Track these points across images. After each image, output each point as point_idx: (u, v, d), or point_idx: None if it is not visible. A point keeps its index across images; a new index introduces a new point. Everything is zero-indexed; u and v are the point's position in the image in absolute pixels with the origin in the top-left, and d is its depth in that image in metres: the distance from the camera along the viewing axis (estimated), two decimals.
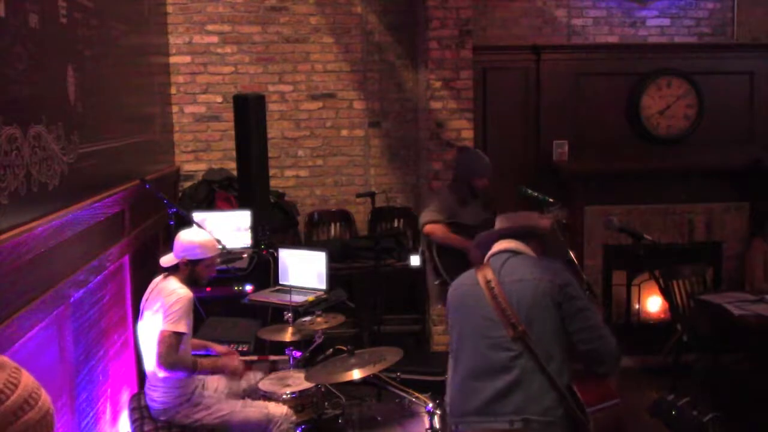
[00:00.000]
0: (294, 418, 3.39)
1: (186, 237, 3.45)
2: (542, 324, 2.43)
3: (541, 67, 5.95)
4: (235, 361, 3.52)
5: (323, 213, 6.24)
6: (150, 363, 3.29)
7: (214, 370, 3.41)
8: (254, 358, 3.98)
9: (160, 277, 3.47)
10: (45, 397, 1.35)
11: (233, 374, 3.47)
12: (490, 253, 2.68)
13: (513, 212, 2.82)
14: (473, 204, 4.40)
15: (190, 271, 3.42)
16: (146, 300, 3.42)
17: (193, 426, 3.33)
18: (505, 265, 2.58)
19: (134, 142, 4.56)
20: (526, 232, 2.69)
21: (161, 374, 3.22)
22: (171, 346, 3.18)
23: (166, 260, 3.47)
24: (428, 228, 4.21)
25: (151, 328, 3.30)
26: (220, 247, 3.76)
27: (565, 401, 2.39)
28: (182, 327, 3.23)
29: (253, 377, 3.69)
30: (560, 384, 2.40)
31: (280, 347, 3.98)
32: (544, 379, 2.38)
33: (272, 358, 3.95)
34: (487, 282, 2.53)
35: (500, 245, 2.67)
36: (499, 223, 2.78)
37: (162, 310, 3.24)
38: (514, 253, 2.63)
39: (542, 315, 2.44)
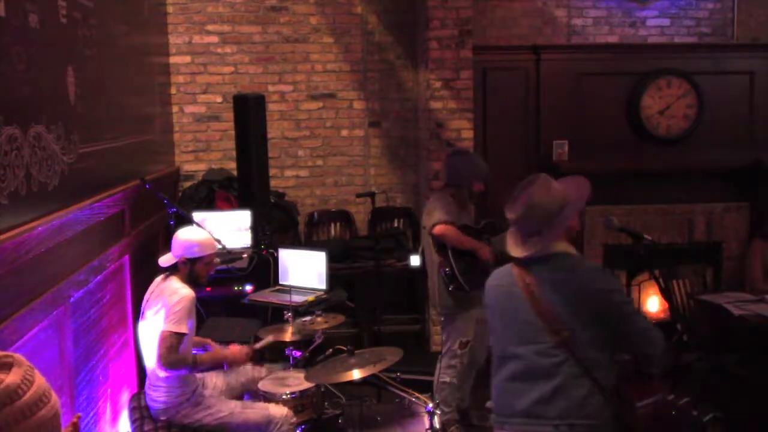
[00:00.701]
0: (294, 419, 3.39)
1: (183, 235, 3.45)
2: (587, 330, 2.37)
3: (541, 67, 5.95)
4: (234, 349, 3.53)
5: (323, 213, 6.24)
6: (151, 362, 3.30)
7: (214, 364, 3.42)
8: (269, 339, 3.90)
9: (161, 277, 3.47)
10: (56, 398, 1.38)
11: (236, 361, 3.47)
12: (527, 253, 2.52)
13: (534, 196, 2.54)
14: (468, 210, 4.34)
15: (189, 269, 3.42)
16: (147, 300, 3.42)
17: (193, 426, 3.33)
18: (544, 268, 2.47)
19: (134, 142, 4.56)
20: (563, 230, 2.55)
21: (161, 374, 3.23)
22: (172, 346, 3.18)
23: (165, 260, 3.47)
24: (440, 229, 4.03)
25: (152, 328, 3.30)
26: (219, 246, 3.76)
27: (611, 403, 2.38)
28: (183, 327, 3.23)
29: (251, 372, 3.68)
30: (606, 387, 2.38)
31: (280, 347, 3.98)
32: (589, 384, 2.35)
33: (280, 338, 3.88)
34: (527, 284, 2.45)
35: (534, 247, 2.50)
36: (527, 211, 2.53)
37: (164, 310, 3.24)
38: (553, 255, 2.49)
39: (586, 321, 2.37)
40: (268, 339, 3.71)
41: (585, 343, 2.37)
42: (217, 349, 3.61)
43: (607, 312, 2.38)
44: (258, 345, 3.72)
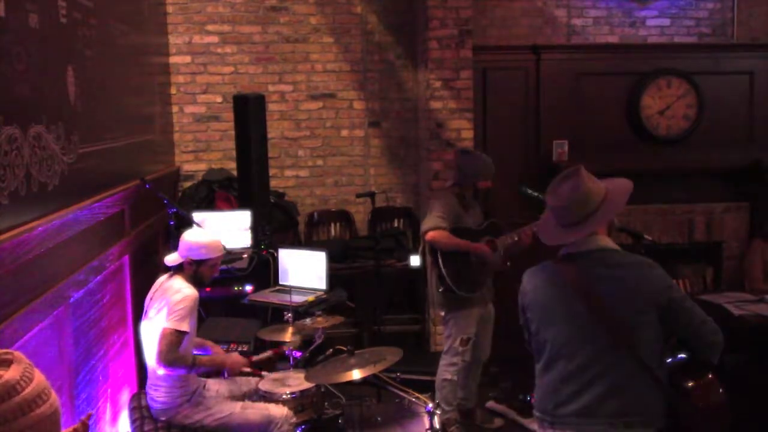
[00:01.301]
0: (294, 419, 3.39)
1: (191, 237, 3.46)
2: (644, 327, 2.35)
3: (541, 67, 5.94)
4: (234, 355, 3.53)
5: (323, 213, 6.24)
6: (152, 362, 3.30)
7: (214, 367, 3.42)
8: (268, 353, 3.92)
9: (165, 276, 3.47)
10: (55, 396, 1.38)
11: (233, 369, 3.47)
12: (568, 250, 2.49)
13: (562, 194, 2.47)
14: (474, 208, 4.35)
15: (194, 270, 3.42)
16: (151, 298, 3.42)
17: (193, 427, 3.33)
18: (593, 264, 2.43)
19: (134, 142, 4.56)
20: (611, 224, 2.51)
21: (160, 371, 3.23)
22: (172, 343, 3.19)
23: (171, 259, 3.48)
24: (431, 235, 4.07)
25: (155, 327, 3.31)
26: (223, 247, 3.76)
27: (666, 398, 2.37)
28: (185, 326, 3.23)
29: (254, 382, 3.68)
30: (663, 381, 2.37)
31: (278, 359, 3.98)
32: (646, 380, 2.34)
33: (282, 348, 3.89)
34: (574, 282, 2.40)
35: (575, 236, 2.45)
36: (562, 216, 2.47)
37: (166, 308, 3.24)
38: (599, 250, 2.46)
39: (644, 319, 2.35)
40: (267, 354, 3.73)
41: (643, 339, 2.35)
42: (217, 354, 3.60)
43: (668, 307, 2.36)
44: (256, 358, 3.73)
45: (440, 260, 4.10)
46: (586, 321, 2.38)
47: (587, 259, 2.45)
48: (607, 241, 2.49)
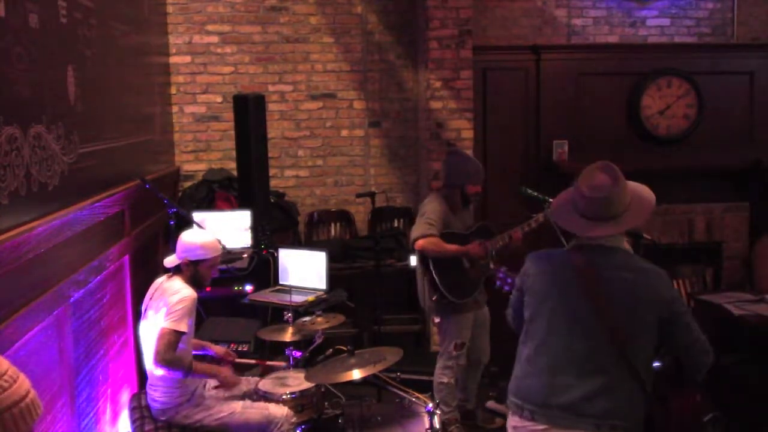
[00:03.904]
0: (294, 419, 3.39)
1: (188, 237, 3.46)
2: (640, 333, 2.34)
3: (541, 67, 5.94)
4: (229, 372, 3.51)
5: (323, 213, 6.24)
6: (149, 361, 3.30)
7: (208, 375, 3.41)
8: (252, 361, 3.97)
9: (164, 277, 3.47)
10: (23, 378, 1.38)
11: (225, 385, 3.46)
12: (581, 242, 2.46)
13: (598, 186, 2.40)
14: (463, 212, 4.27)
15: (192, 271, 3.42)
16: (150, 299, 3.42)
17: (194, 427, 3.33)
18: (606, 264, 2.40)
19: (134, 142, 4.56)
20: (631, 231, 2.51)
21: (157, 371, 3.23)
22: (170, 343, 3.18)
23: (169, 261, 3.48)
24: (420, 244, 4.00)
25: (153, 328, 3.30)
26: (221, 247, 3.76)
27: (649, 405, 2.37)
28: (183, 326, 3.23)
29: (249, 382, 3.67)
30: (649, 389, 2.36)
31: (280, 347, 3.98)
32: (636, 386, 2.34)
33: (269, 363, 3.92)
34: (587, 278, 2.36)
35: (601, 232, 2.40)
36: (592, 209, 2.39)
37: (165, 309, 3.24)
38: (614, 249, 2.43)
39: (643, 326, 2.34)
40: (252, 362, 3.75)
41: (639, 345, 2.34)
42: (213, 366, 3.55)
43: (668, 320, 2.35)
44: (239, 360, 3.76)
45: (431, 267, 4.05)
46: (587, 317, 2.36)
47: (600, 256, 2.42)
48: (623, 243, 2.49)
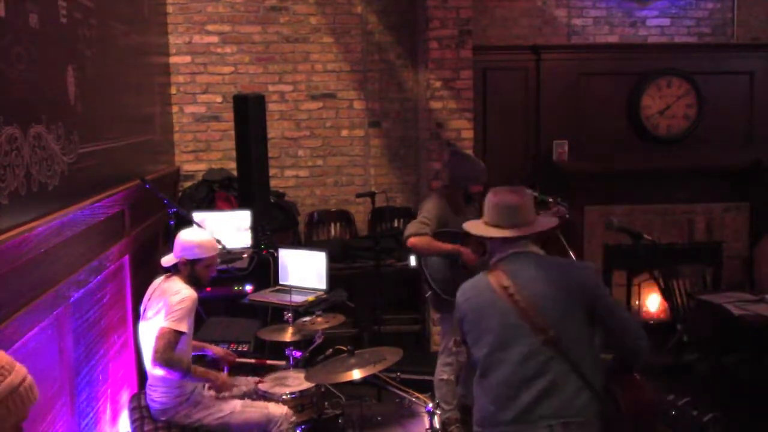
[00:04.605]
0: (294, 418, 3.39)
1: (184, 237, 3.45)
2: (572, 326, 2.38)
3: (541, 67, 5.95)
4: (225, 377, 3.50)
5: (323, 213, 6.24)
6: (148, 361, 3.29)
7: (205, 380, 3.41)
8: (252, 360, 3.97)
9: (162, 277, 3.47)
10: (20, 366, 1.43)
11: (220, 390, 3.45)
12: (498, 256, 2.56)
13: (506, 197, 2.60)
14: (466, 211, 4.28)
15: (189, 270, 3.41)
16: (149, 299, 3.42)
17: (193, 426, 3.33)
18: (522, 268, 2.48)
19: (134, 142, 4.56)
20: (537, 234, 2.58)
21: (156, 371, 3.22)
22: (169, 342, 3.18)
23: (167, 260, 3.47)
24: (411, 242, 4.03)
25: (153, 328, 3.30)
26: (220, 246, 3.76)
27: (598, 398, 2.38)
28: (183, 326, 3.22)
29: (249, 382, 3.67)
30: (594, 382, 2.38)
31: (280, 347, 3.98)
32: (578, 380, 2.36)
33: (270, 362, 3.92)
34: (504, 288, 2.44)
35: (510, 248, 2.54)
36: (499, 216, 2.57)
37: (165, 309, 3.24)
38: (527, 254, 2.52)
39: (571, 317, 2.38)
40: (250, 361, 3.76)
41: (571, 339, 2.38)
42: (210, 372, 3.54)
43: (595, 306, 2.40)
44: (239, 359, 3.77)
45: (423, 265, 4.10)
46: (517, 324, 2.40)
47: (516, 261, 2.50)
48: (535, 248, 2.56)
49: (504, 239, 2.54)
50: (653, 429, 2.60)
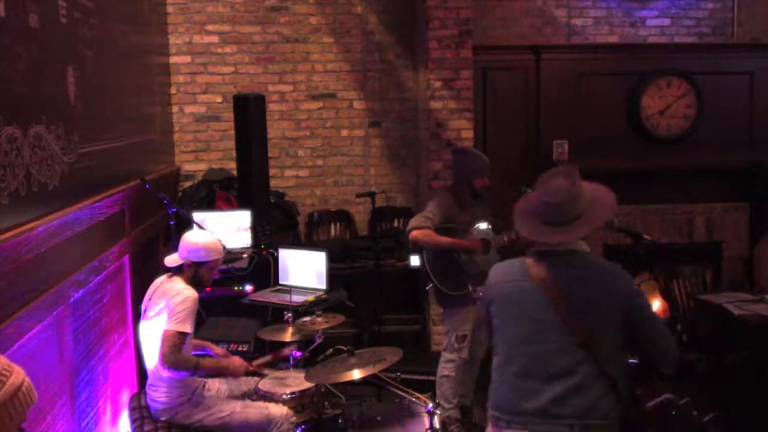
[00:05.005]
0: (294, 418, 3.39)
1: (191, 238, 3.45)
2: (606, 331, 2.36)
3: (541, 67, 5.95)
4: (237, 360, 3.52)
5: (323, 213, 6.24)
6: (152, 362, 3.29)
7: (216, 372, 3.41)
8: (268, 358, 3.94)
9: (164, 277, 3.47)
10: (18, 369, 1.43)
11: (235, 374, 3.46)
12: (540, 246, 2.47)
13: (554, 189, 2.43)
14: (474, 206, 4.35)
15: (193, 272, 3.42)
16: (149, 299, 3.42)
17: (194, 426, 3.33)
18: (563, 264, 2.42)
19: (134, 142, 4.56)
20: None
21: (164, 374, 3.22)
22: (175, 345, 3.18)
23: (171, 260, 3.47)
24: (413, 235, 4.13)
25: (154, 328, 3.30)
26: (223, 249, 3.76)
27: (623, 403, 2.37)
28: (187, 327, 3.23)
29: (252, 382, 3.67)
30: (620, 387, 2.37)
31: (280, 347, 3.97)
32: (605, 384, 2.34)
33: (282, 353, 3.90)
34: (543, 281, 2.39)
35: (560, 238, 2.42)
36: (545, 211, 2.42)
37: (167, 310, 3.24)
38: (571, 252, 2.45)
39: (607, 322, 2.36)
40: (267, 358, 3.73)
41: (605, 342, 2.35)
42: (218, 353, 3.58)
43: (631, 313, 2.37)
44: (256, 362, 3.72)
45: (425, 258, 4.18)
46: (551, 319, 2.38)
47: (559, 258, 2.45)
48: (580, 244, 2.50)
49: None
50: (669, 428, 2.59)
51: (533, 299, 2.42)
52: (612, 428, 2.37)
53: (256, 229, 5.09)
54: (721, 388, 4.55)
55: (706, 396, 4.17)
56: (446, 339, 4.32)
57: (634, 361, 2.55)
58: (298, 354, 3.79)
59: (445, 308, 4.30)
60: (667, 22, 6.31)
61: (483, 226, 4.26)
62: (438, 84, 5.47)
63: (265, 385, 3.57)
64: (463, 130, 5.52)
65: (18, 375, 1.43)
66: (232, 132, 5.41)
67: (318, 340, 3.79)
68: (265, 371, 3.72)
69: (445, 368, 4.27)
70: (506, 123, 5.95)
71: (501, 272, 2.57)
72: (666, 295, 4.84)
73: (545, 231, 2.44)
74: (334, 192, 6.29)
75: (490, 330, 2.59)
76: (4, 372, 1.40)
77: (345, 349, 3.39)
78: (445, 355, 4.29)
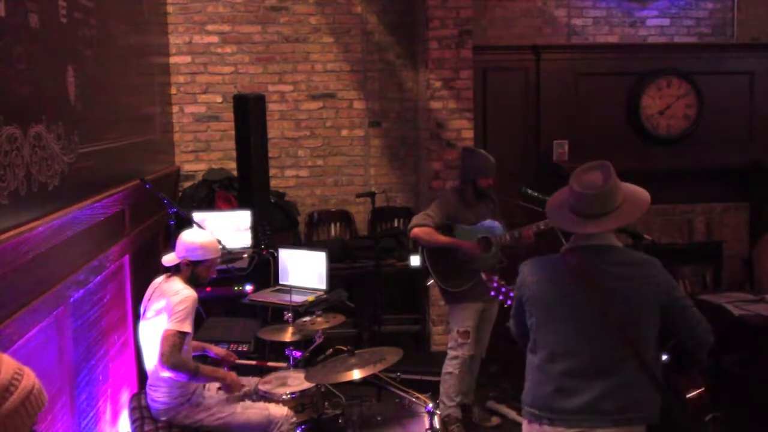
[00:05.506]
0: (294, 419, 3.39)
1: (188, 237, 3.45)
2: (646, 326, 2.38)
3: (541, 67, 5.95)
4: (234, 376, 3.50)
5: (323, 213, 6.24)
6: (152, 362, 3.29)
7: (214, 379, 3.40)
8: (253, 362, 3.97)
9: (162, 277, 3.47)
10: (28, 370, 1.42)
11: (230, 388, 3.45)
12: (577, 243, 2.47)
13: (589, 181, 2.41)
14: (479, 205, 4.37)
15: (191, 271, 3.42)
16: (149, 299, 3.42)
17: (194, 427, 3.33)
18: (602, 261, 2.41)
19: (134, 142, 4.56)
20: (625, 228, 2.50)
21: (164, 374, 3.22)
22: (175, 345, 3.18)
23: (168, 259, 3.47)
24: (414, 232, 4.22)
25: (153, 328, 3.30)
26: (221, 247, 3.76)
27: (664, 396, 2.39)
28: (187, 327, 3.23)
29: (250, 382, 3.67)
30: (660, 381, 2.38)
31: (280, 347, 3.98)
32: (647, 379, 2.35)
33: (270, 364, 3.92)
34: (583, 278, 2.38)
35: (593, 229, 2.42)
36: (579, 204, 2.40)
37: (167, 310, 3.24)
38: (607, 247, 2.44)
39: (646, 317, 2.37)
40: (251, 363, 3.77)
41: (644, 338, 2.37)
42: (219, 369, 3.54)
43: (670, 304, 2.39)
44: (240, 361, 3.76)
45: (425, 256, 4.25)
46: (592, 317, 2.37)
47: (595, 254, 2.43)
48: (615, 240, 2.49)
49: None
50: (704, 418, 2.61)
51: (576, 298, 2.40)
52: (653, 420, 2.39)
53: (256, 229, 5.10)
54: (721, 388, 4.55)
55: (706, 396, 4.17)
56: (450, 335, 4.38)
57: (666, 355, 2.58)
58: (298, 354, 3.79)
59: (449, 304, 4.35)
60: (666, 22, 6.31)
61: (489, 223, 4.29)
62: (438, 84, 5.47)
63: (265, 385, 3.57)
64: (463, 130, 5.52)
65: (29, 378, 1.40)
66: (232, 132, 5.41)
67: (318, 340, 3.80)
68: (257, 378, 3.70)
69: (449, 365, 4.30)
70: (506, 123, 5.95)
71: (538, 269, 2.54)
72: None
73: (579, 222, 2.43)
74: (334, 192, 6.29)
75: (523, 329, 2.57)
76: (16, 376, 1.37)
77: (345, 349, 3.40)
78: (450, 352, 4.33)
